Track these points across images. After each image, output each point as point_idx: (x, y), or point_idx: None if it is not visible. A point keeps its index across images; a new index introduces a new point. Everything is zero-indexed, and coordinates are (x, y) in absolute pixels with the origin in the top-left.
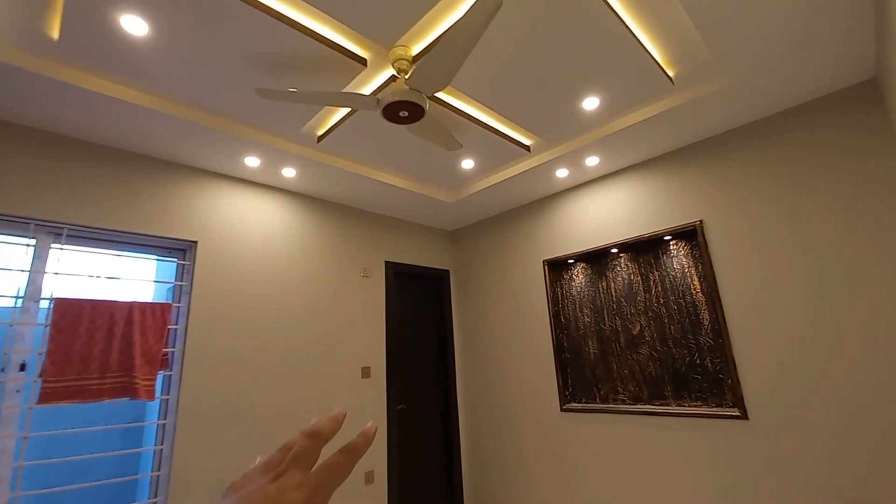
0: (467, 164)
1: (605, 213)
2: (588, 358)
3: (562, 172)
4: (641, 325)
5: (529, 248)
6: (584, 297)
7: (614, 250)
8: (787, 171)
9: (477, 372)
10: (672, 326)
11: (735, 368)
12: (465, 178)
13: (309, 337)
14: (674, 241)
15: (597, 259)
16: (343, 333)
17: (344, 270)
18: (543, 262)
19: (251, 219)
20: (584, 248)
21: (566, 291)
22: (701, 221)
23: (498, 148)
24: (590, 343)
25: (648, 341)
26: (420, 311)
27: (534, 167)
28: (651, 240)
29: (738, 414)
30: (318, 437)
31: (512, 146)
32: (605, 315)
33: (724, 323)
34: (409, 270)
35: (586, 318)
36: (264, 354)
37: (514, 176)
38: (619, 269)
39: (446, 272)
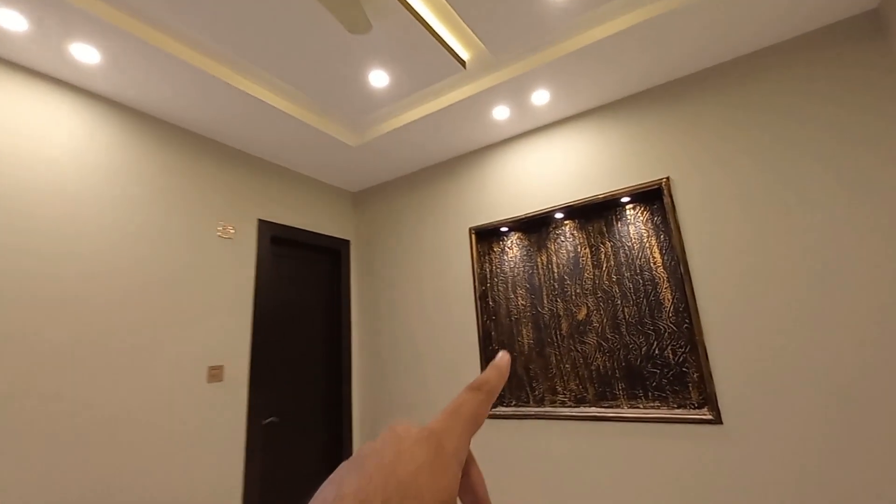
0: (378, 78)
1: (550, 170)
2: (521, 350)
3: (501, 112)
4: (588, 308)
5: (453, 214)
6: (518, 274)
7: (559, 216)
8: (774, 120)
9: (380, 371)
10: (626, 309)
11: (707, 359)
12: (375, 106)
13: (119, 320)
14: (632, 205)
15: (536, 227)
16: (182, 316)
17: (191, 225)
18: (470, 230)
19: (15, 127)
20: (522, 214)
21: (497, 268)
22: (667, 179)
23: (423, 56)
24: (524, 331)
25: (596, 328)
26: (306, 292)
27: (468, 97)
28: (605, 203)
29: (709, 417)
30: (482, 391)
31: (443, 55)
32: (545, 296)
33: (694, 303)
34: (294, 236)
35: (520, 301)
36: (28, 352)
37: (440, 110)
38: (562, 239)
39: (345, 243)
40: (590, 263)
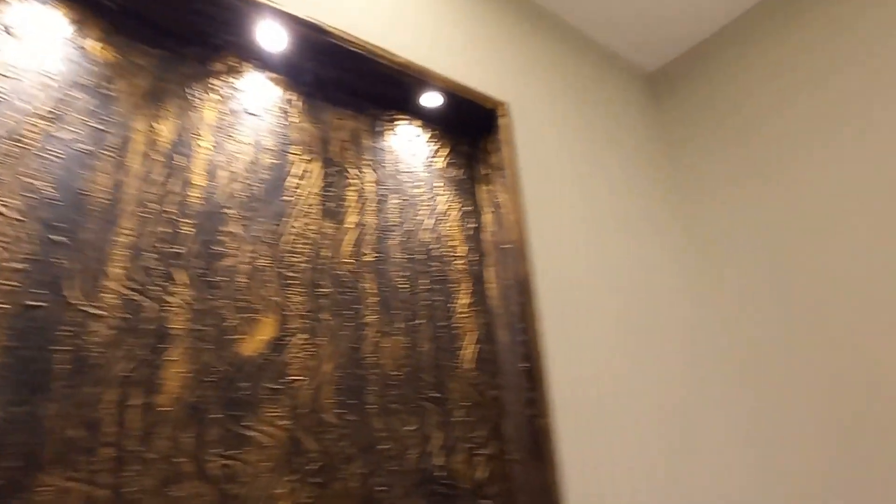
0: None
1: None
2: None
3: None
4: (285, 320)
5: None
6: None
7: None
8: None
9: None
10: (386, 339)
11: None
12: None
13: None
14: (427, 125)
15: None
16: None
17: None
18: None
19: None
20: None
21: None
22: (502, 107)
23: None
24: None
25: (305, 390)
26: None
27: None
28: (377, 74)
29: None
30: None
31: None
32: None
33: (536, 356)
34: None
35: None
36: None
37: None
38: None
39: None
40: (314, 193)
